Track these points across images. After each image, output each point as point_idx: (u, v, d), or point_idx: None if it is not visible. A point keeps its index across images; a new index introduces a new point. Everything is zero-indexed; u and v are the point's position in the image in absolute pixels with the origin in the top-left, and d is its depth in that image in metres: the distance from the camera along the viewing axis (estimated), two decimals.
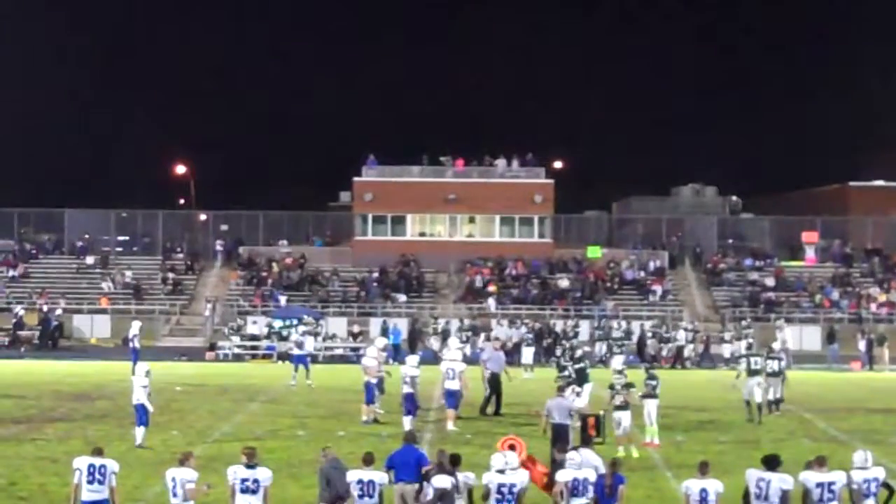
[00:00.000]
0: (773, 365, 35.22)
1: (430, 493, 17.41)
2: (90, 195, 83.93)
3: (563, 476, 17.90)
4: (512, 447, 18.80)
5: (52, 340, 59.42)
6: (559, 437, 24.10)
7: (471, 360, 39.36)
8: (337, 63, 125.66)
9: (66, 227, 73.70)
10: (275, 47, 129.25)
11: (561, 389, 26.80)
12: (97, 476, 17.68)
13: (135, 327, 46.57)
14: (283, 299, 63.84)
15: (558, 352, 42.67)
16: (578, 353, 36.59)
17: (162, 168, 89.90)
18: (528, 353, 50.32)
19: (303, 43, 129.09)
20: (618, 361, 33.53)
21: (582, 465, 17.98)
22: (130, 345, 46.13)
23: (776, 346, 38.98)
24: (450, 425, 31.48)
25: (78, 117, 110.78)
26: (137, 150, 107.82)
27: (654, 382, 29.24)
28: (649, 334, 56.55)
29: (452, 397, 31.94)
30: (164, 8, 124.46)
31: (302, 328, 46.23)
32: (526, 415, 32.79)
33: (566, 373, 32.52)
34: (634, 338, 56.25)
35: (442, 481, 17.27)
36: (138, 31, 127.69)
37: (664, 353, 54.80)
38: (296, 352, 43.44)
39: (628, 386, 28.34)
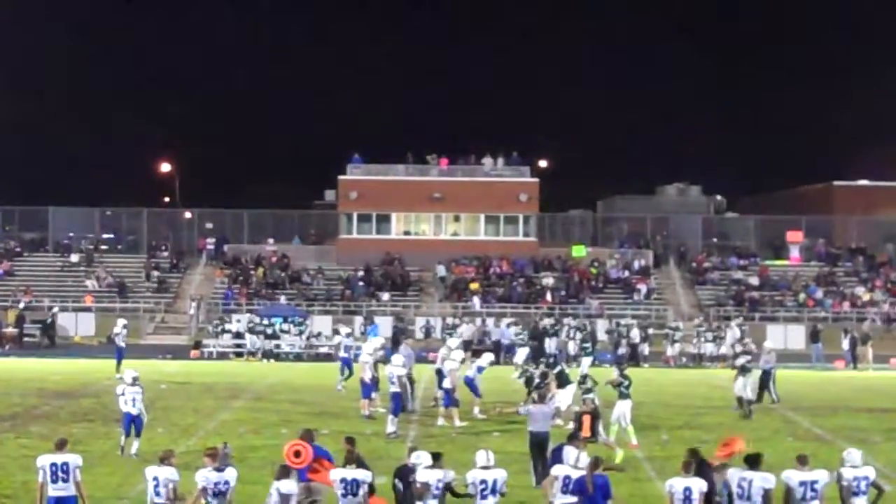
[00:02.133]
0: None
1: (274, 495, 17.22)
2: (75, 193, 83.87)
3: (557, 470, 17.95)
4: (297, 453, 18.68)
5: (49, 338, 59.46)
6: (538, 445, 23.68)
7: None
8: (322, 62, 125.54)
9: (51, 225, 73.47)
10: (260, 46, 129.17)
11: (542, 397, 26.71)
12: (60, 474, 17.71)
13: (119, 325, 46.36)
14: (283, 298, 63.64)
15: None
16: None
17: (147, 166, 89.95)
18: (521, 354, 49.00)
19: (288, 42, 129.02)
20: (585, 364, 33.51)
21: (581, 464, 18.00)
22: (115, 343, 45.83)
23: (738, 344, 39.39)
24: (442, 422, 31.96)
25: (62, 115, 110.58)
26: (122, 148, 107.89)
27: (626, 382, 29.17)
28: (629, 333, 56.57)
29: (447, 396, 32.11)
30: (149, 6, 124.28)
31: (345, 330, 45.82)
32: (511, 413, 32.85)
33: (559, 369, 32.51)
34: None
35: (287, 486, 17.20)
36: (121, 30, 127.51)
37: (619, 350, 54.66)
38: (342, 354, 42.58)
39: (588, 391, 28.30)
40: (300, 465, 18.19)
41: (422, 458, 17.82)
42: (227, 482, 17.28)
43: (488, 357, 36.82)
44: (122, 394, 26.82)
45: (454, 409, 32.02)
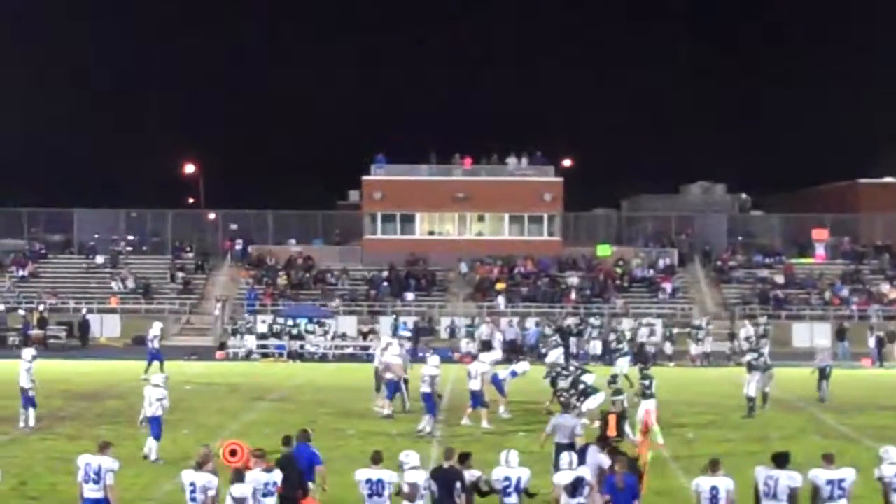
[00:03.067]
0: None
1: (227, 499, 16.94)
2: (99, 195, 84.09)
3: (560, 479, 17.82)
4: (233, 452, 18.53)
5: (81, 339, 59.68)
6: (568, 447, 23.56)
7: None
8: (345, 62, 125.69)
9: (76, 227, 73.78)
10: (283, 46, 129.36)
11: (566, 406, 26.54)
12: (92, 476, 17.73)
13: (155, 328, 45.13)
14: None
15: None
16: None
17: (171, 167, 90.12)
18: (553, 354, 47.48)
19: (311, 42, 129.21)
20: (619, 365, 33.28)
21: (576, 465, 17.95)
22: (149, 346, 45.21)
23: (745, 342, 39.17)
24: (466, 421, 31.94)
25: (87, 117, 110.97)
26: (146, 149, 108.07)
27: (647, 382, 29.09)
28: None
29: (474, 397, 32.09)
30: (170, 7, 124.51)
31: (406, 333, 45.25)
32: (538, 412, 32.87)
33: (582, 386, 32.40)
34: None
35: (241, 490, 16.93)
36: (146, 31, 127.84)
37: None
38: None
39: (618, 392, 28.28)
40: (236, 464, 18.10)
41: (410, 459, 17.71)
42: (275, 482, 17.36)
43: (525, 365, 36.70)
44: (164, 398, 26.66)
45: (483, 410, 31.99)
